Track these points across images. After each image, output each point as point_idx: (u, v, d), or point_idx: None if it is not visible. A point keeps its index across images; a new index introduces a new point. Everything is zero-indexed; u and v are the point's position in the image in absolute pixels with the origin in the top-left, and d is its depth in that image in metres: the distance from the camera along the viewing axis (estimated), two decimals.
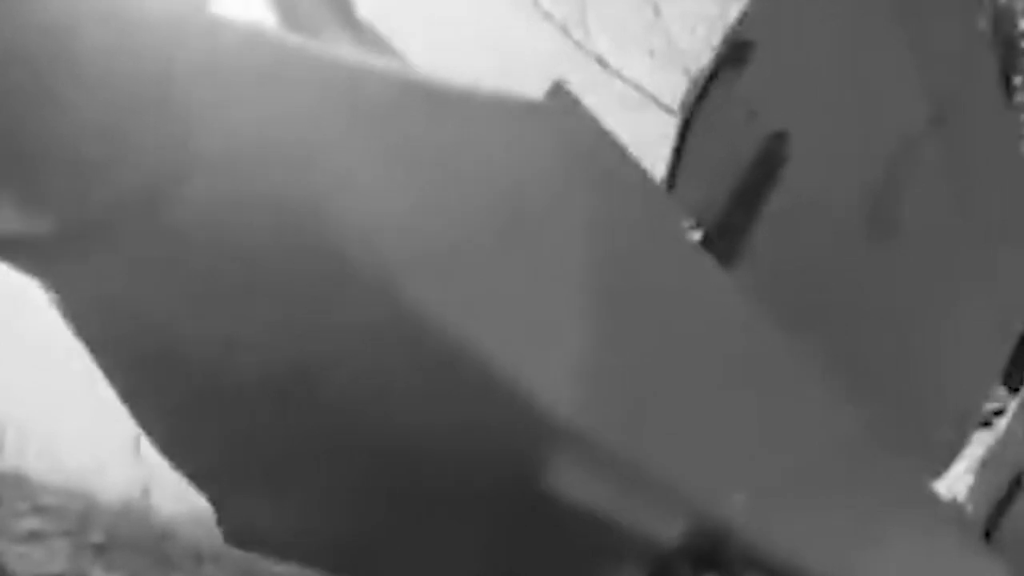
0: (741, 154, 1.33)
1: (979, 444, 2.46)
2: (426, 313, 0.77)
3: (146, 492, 6.27)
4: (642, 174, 1.06)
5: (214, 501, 0.94)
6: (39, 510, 6.00)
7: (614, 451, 0.93)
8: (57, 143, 0.64)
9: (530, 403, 0.84)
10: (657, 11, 9.10)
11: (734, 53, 1.34)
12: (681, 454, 1.05)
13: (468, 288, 0.81)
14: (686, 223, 1.23)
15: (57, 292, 0.73)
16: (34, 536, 5.72)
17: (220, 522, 0.95)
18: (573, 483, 0.91)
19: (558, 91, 0.97)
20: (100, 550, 5.73)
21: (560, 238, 0.89)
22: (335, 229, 0.74)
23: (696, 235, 1.28)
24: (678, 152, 1.31)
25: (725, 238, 1.30)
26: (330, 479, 0.91)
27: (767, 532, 1.23)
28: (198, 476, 0.91)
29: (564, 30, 9.07)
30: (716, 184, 1.33)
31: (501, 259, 0.85)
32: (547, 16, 9.06)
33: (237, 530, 0.95)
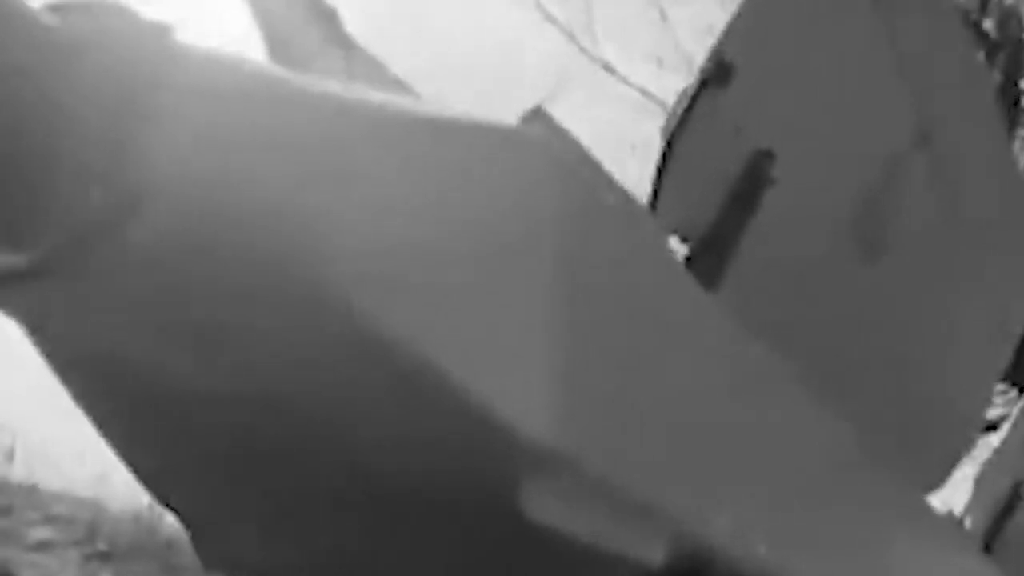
0: (726, 171, 1.33)
1: (980, 451, 2.46)
2: (396, 335, 0.78)
3: (154, 502, 6.28)
4: (624, 196, 1.06)
5: (189, 528, 0.95)
6: (49, 519, 6.03)
7: (592, 472, 0.93)
8: (25, 174, 0.65)
9: (503, 424, 0.84)
10: (664, 16, 9.09)
11: (719, 70, 1.34)
12: (663, 476, 1.05)
13: (438, 310, 0.82)
14: (669, 244, 1.23)
15: (30, 328, 0.74)
16: (44, 545, 5.75)
17: (196, 549, 0.95)
18: (550, 506, 0.91)
19: (537, 115, 0.97)
20: (109, 558, 5.75)
21: (536, 260, 0.90)
22: (305, 255, 0.74)
23: (681, 252, 1.28)
24: (662, 169, 1.31)
25: (710, 255, 1.30)
26: (303, 505, 0.91)
27: (752, 552, 1.23)
28: (174, 506, 0.92)
29: (570, 35, 9.06)
30: (701, 201, 1.33)
31: (475, 281, 0.86)
32: (553, 21, 9.05)
33: (213, 556, 0.96)
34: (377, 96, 0.92)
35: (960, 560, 1.97)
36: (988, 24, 7.42)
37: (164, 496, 0.91)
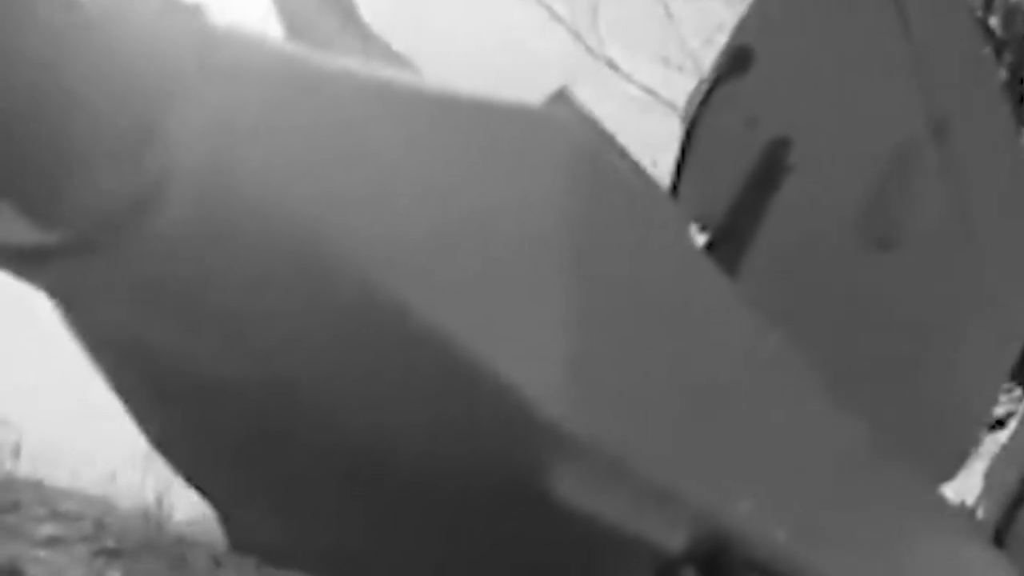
0: (743, 161, 1.34)
1: (990, 446, 2.46)
2: (420, 318, 0.78)
3: (162, 498, 6.30)
4: (646, 179, 1.06)
5: (219, 512, 0.96)
6: (57, 516, 6.04)
7: (613, 454, 0.94)
8: (59, 152, 0.65)
9: (523, 403, 0.84)
10: (669, 14, 9.09)
11: (735, 60, 1.34)
12: (681, 461, 1.05)
13: (461, 291, 0.82)
14: (689, 228, 1.23)
15: (61, 304, 0.74)
16: (52, 541, 5.76)
17: (225, 531, 0.96)
18: (572, 488, 0.91)
19: (562, 96, 0.98)
20: (117, 555, 5.76)
21: (557, 242, 0.90)
22: (327, 238, 0.74)
23: (700, 241, 1.28)
24: (682, 159, 1.31)
25: (728, 245, 1.30)
26: (323, 491, 0.92)
27: (771, 540, 1.23)
28: (203, 490, 0.92)
29: (575, 34, 9.06)
30: (719, 191, 1.34)
31: (497, 262, 0.86)
32: (558, 20, 9.05)
33: (241, 539, 0.96)
34: (402, 76, 0.92)
35: (973, 551, 1.98)
36: (993, 21, 7.42)
37: (190, 477, 0.91)
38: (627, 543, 1.01)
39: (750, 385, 1.22)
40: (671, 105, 7.85)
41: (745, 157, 1.30)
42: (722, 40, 1.42)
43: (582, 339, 0.91)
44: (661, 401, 1.02)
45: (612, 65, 9.00)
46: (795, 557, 1.30)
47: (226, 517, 0.95)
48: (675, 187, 1.28)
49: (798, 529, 1.30)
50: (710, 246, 1.28)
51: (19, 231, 0.65)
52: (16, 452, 6.47)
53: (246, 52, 0.73)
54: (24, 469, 6.46)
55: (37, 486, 6.39)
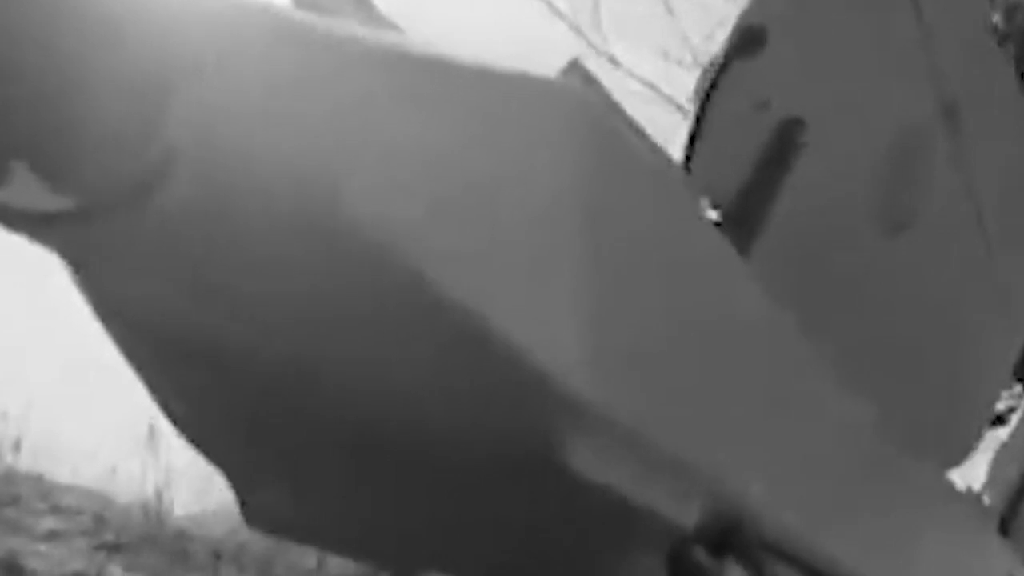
0: (754, 141, 1.33)
1: (991, 442, 2.46)
2: (434, 285, 0.77)
3: (162, 492, 6.29)
4: (658, 152, 1.06)
5: (237, 489, 0.95)
6: (57, 510, 6.02)
7: (629, 427, 0.93)
8: (81, 117, 0.64)
9: (541, 374, 0.84)
10: (670, 10, 9.08)
11: (746, 40, 1.33)
12: (694, 435, 1.05)
13: (477, 258, 0.81)
14: (701, 202, 1.23)
15: (77, 270, 0.74)
16: (52, 535, 5.74)
17: (243, 508, 0.95)
18: (587, 459, 0.90)
19: (574, 68, 0.98)
20: (117, 549, 5.74)
21: (571, 211, 0.89)
22: (342, 204, 0.74)
23: (712, 218, 1.28)
24: (693, 139, 1.30)
25: (740, 225, 1.30)
26: (344, 465, 0.91)
27: (781, 520, 1.23)
28: (214, 461, 0.92)
29: (576, 29, 9.04)
30: (730, 172, 1.33)
31: (510, 229, 0.85)
32: (559, 15, 9.04)
33: (259, 517, 0.96)
34: (414, 44, 0.91)
35: (980, 536, 1.98)
36: (995, 17, 7.41)
37: (204, 450, 0.90)
38: (640, 517, 1.00)
39: (760, 362, 1.22)
40: (672, 100, 7.85)
41: (756, 137, 1.29)
42: (723, 35, 1.41)
43: (596, 310, 0.90)
44: (671, 372, 1.01)
45: (613, 60, 8.99)
46: (804, 538, 1.29)
47: (240, 493, 0.94)
48: (687, 166, 1.27)
49: (807, 509, 1.30)
50: (722, 225, 1.27)
51: (33, 195, 0.64)
52: (16, 446, 6.45)
53: (254, 25, 0.72)
54: (24, 463, 6.45)
55: (37, 480, 6.37)
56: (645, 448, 0.97)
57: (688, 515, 1.06)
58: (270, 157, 0.70)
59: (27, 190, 0.67)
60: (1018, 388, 6.39)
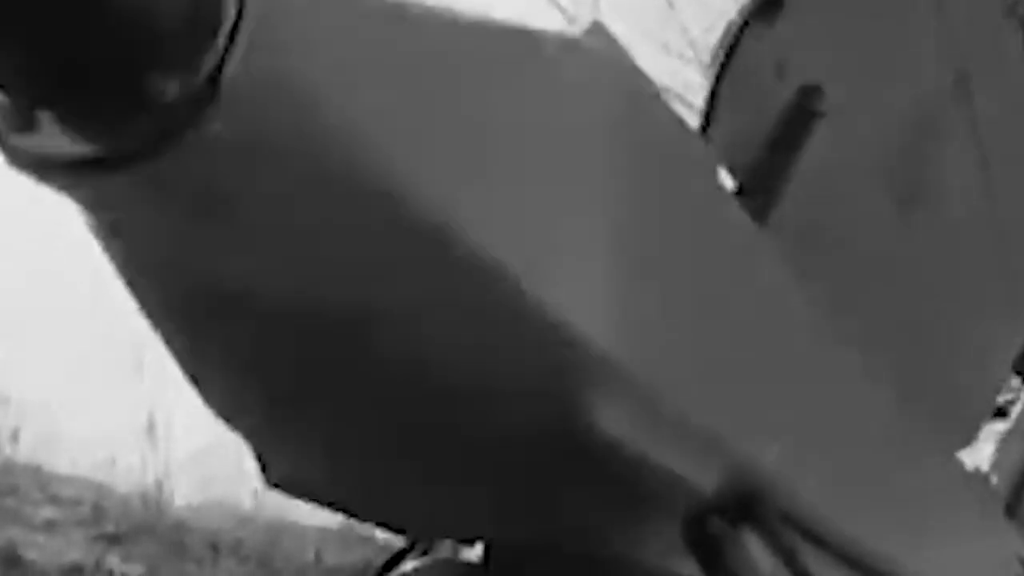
0: (772, 108, 1.32)
1: (997, 426, 2.47)
2: (461, 242, 0.76)
3: (161, 483, 6.29)
4: (675, 114, 1.06)
5: (258, 451, 0.94)
6: (56, 500, 6.03)
7: (651, 388, 0.92)
8: (102, 60, 0.63)
9: (572, 333, 0.83)
10: (670, 3, 9.08)
11: (764, 5, 1.32)
12: (714, 399, 1.04)
13: (506, 217, 0.80)
14: (719, 165, 1.22)
15: (99, 224, 0.72)
16: (50, 525, 5.74)
17: (263, 469, 0.94)
18: (614, 421, 0.90)
19: (597, 28, 0.97)
20: (116, 540, 5.75)
21: (594, 169, 0.88)
22: (375, 157, 0.73)
23: (729, 185, 1.27)
24: (710, 105, 1.29)
25: (757, 192, 1.29)
26: (365, 425, 0.90)
27: (799, 493, 1.22)
28: (236, 427, 0.90)
29: (574, 21, 9.04)
30: (748, 138, 1.32)
31: (539, 187, 0.84)
32: (558, 6, 9.03)
33: (278, 477, 0.95)
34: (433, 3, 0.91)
35: (987, 519, 1.97)
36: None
37: (225, 415, 0.89)
38: (662, 482, 0.99)
39: (776, 332, 1.21)
40: (672, 93, 7.84)
41: (774, 104, 1.28)
42: (722, 28, 1.40)
43: (626, 271, 0.90)
44: (691, 334, 1.00)
45: None
46: (821, 512, 1.29)
47: (262, 457, 0.93)
48: (704, 132, 1.26)
49: (825, 483, 1.29)
50: (739, 192, 1.26)
51: (61, 143, 0.63)
52: (15, 437, 6.46)
53: None
54: (23, 453, 6.45)
55: (36, 471, 6.38)
56: (669, 410, 0.97)
57: (708, 480, 1.05)
58: (313, 101, 0.68)
59: (50, 139, 0.65)
60: (1017, 383, 6.41)
